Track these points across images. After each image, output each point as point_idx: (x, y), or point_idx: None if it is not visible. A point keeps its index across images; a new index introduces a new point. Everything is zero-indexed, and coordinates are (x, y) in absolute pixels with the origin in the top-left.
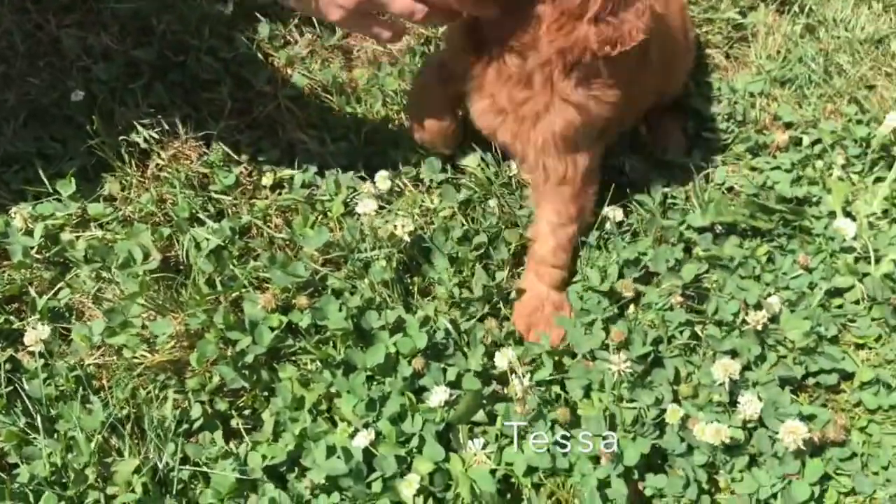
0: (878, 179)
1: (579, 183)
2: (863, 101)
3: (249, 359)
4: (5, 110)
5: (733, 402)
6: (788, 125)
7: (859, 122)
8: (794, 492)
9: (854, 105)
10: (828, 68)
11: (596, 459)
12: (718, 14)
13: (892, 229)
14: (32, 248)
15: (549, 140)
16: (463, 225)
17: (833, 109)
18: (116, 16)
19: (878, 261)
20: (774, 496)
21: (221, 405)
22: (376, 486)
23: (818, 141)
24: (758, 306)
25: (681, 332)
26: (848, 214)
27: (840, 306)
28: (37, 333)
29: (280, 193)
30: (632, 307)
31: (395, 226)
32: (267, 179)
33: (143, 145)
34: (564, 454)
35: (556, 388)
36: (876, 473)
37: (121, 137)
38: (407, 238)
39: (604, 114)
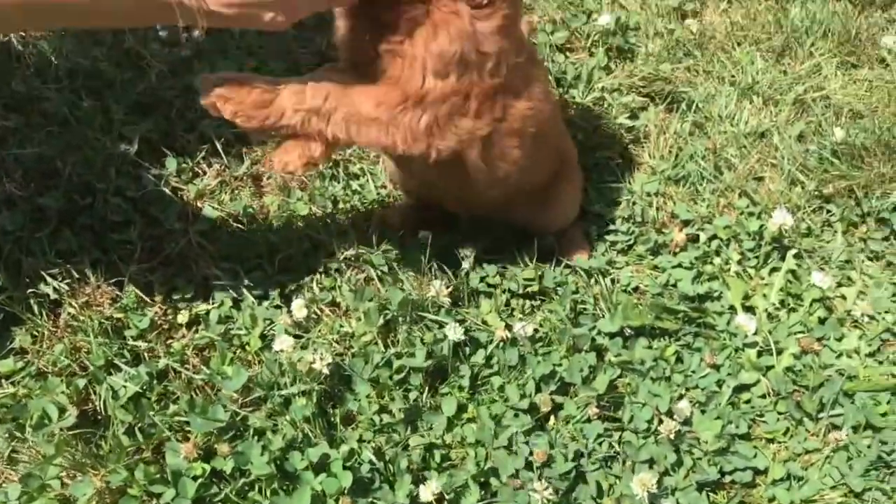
0: (774, 270)
1: None
2: (752, 195)
3: None
4: None
5: None
6: (686, 223)
7: (751, 214)
8: None
9: (745, 198)
10: (717, 164)
11: None
12: (611, 120)
13: (790, 318)
14: None
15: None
16: (383, 350)
17: (726, 204)
18: (20, 161)
19: (779, 353)
20: None
21: None
22: None
23: (714, 237)
24: (669, 413)
25: (599, 444)
26: (748, 309)
27: (748, 401)
28: None
29: (197, 331)
30: (552, 419)
31: (314, 359)
32: (182, 317)
33: (53, 295)
34: None
35: None
36: None
37: (29, 290)
38: (326, 371)
39: None
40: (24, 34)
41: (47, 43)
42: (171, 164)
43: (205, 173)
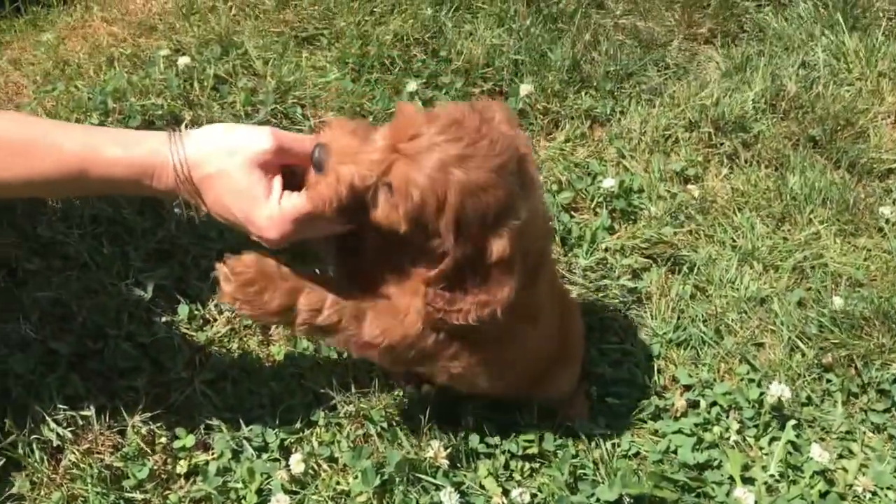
0: (774, 439)
1: None
2: (752, 361)
3: None
4: None
5: None
6: (687, 388)
7: (751, 380)
8: None
9: (745, 364)
10: (718, 328)
11: None
12: (613, 280)
13: (790, 492)
14: None
15: None
16: None
17: (727, 369)
18: (38, 303)
19: None
20: None
21: None
22: None
23: (714, 403)
24: None
25: None
26: (747, 480)
27: None
28: None
29: (195, 482)
30: None
31: None
32: (181, 468)
33: (56, 441)
34: None
35: None
36: None
37: (33, 436)
38: None
39: None
40: None
41: None
42: (183, 310)
43: (215, 320)
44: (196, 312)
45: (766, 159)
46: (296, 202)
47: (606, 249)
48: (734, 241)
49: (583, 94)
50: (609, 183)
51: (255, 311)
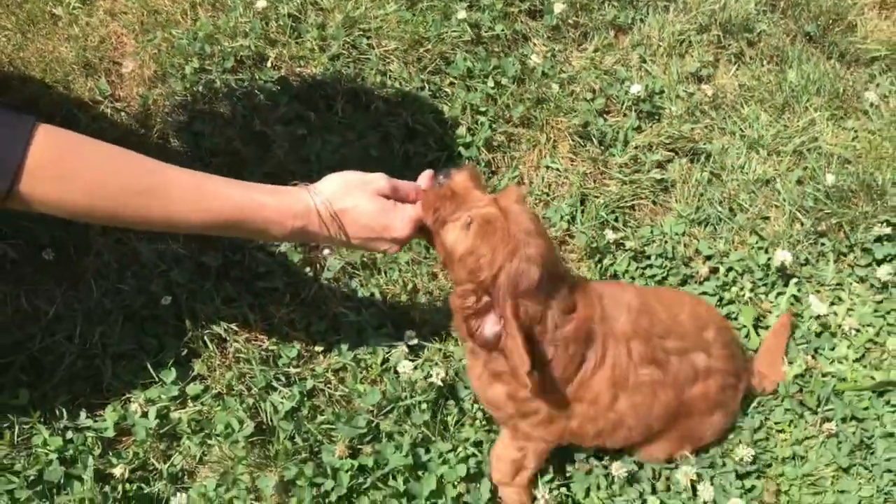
0: (780, 294)
1: None
2: (760, 233)
3: (333, 498)
4: (107, 314)
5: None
6: (708, 257)
7: (760, 248)
8: None
9: (755, 235)
10: (732, 207)
11: None
12: (643, 174)
13: (795, 334)
14: (150, 428)
15: None
16: None
17: (740, 241)
18: None
19: (791, 362)
20: None
21: None
22: None
23: (731, 269)
24: None
25: None
26: (759, 328)
27: (762, 403)
28: (178, 500)
29: (331, 357)
30: None
31: (431, 374)
32: (319, 347)
33: (224, 334)
34: None
35: (564, 490)
36: None
37: (204, 331)
38: (440, 384)
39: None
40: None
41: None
42: None
43: None
44: None
45: (768, 56)
46: (416, 209)
47: (636, 147)
48: (742, 131)
49: (606, 5)
50: (636, 88)
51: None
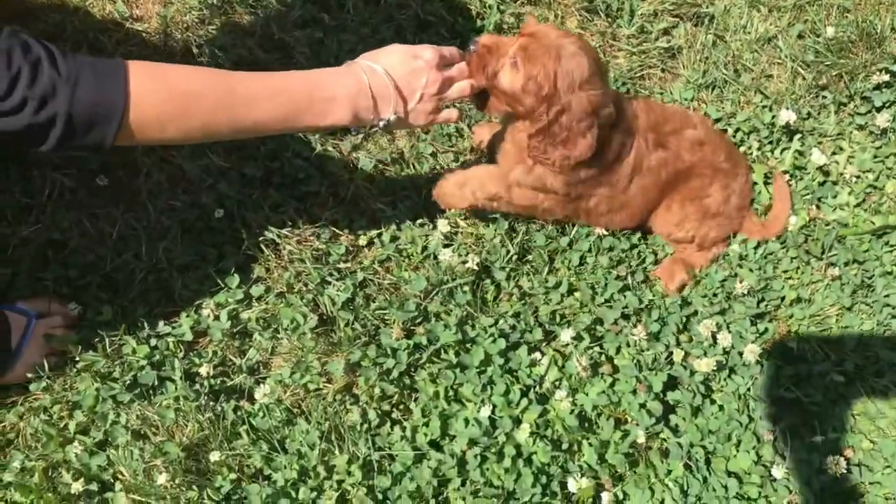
0: (785, 149)
1: None
2: (764, 91)
3: (395, 374)
4: (166, 230)
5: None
6: (717, 120)
7: (765, 107)
8: (760, 386)
9: (759, 94)
10: (737, 68)
11: (634, 391)
12: (652, 44)
13: (798, 186)
14: (224, 328)
15: None
16: (510, 251)
17: (745, 101)
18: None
19: (795, 214)
20: (748, 390)
21: (385, 406)
22: (501, 438)
23: (738, 129)
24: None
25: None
26: (768, 182)
27: (772, 253)
28: (264, 390)
29: (375, 250)
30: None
31: (466, 261)
32: (363, 241)
33: (276, 238)
34: (614, 392)
35: (597, 349)
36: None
37: (259, 237)
38: (476, 268)
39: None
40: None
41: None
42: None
43: (358, 132)
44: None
45: None
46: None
47: (642, 16)
48: None
49: None
50: None
51: None
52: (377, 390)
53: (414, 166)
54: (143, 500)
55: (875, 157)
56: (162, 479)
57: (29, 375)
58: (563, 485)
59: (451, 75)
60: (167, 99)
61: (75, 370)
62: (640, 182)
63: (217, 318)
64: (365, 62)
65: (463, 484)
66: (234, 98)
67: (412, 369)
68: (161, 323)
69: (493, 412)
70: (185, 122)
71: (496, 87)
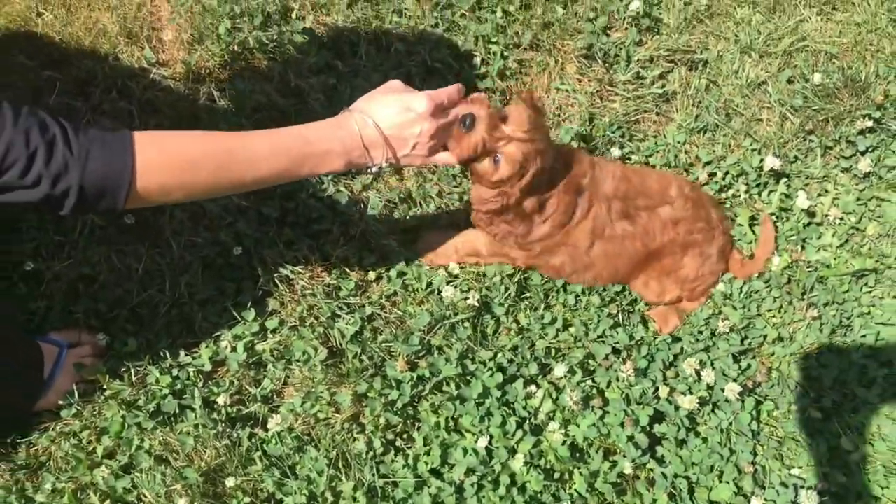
0: (772, 192)
1: None
2: (753, 135)
3: (399, 405)
4: (188, 266)
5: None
6: (707, 163)
7: (754, 150)
8: (741, 421)
9: (749, 138)
10: (728, 112)
11: (622, 424)
12: (647, 89)
13: (784, 227)
14: (240, 360)
15: None
16: (508, 288)
17: (735, 144)
18: None
19: (779, 255)
20: (730, 425)
21: (389, 435)
22: (497, 467)
23: (727, 172)
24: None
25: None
26: (753, 225)
27: (756, 291)
28: (277, 419)
29: (383, 286)
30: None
31: (468, 297)
32: (372, 276)
33: (290, 274)
34: (604, 425)
35: (589, 382)
36: (791, 390)
37: (274, 273)
38: (476, 304)
39: None
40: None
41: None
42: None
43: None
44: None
45: None
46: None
47: (638, 61)
48: (736, 36)
49: None
50: (636, 5)
51: None
52: (382, 420)
53: (421, 205)
54: None
55: (858, 199)
56: (182, 502)
57: (60, 402)
58: None
59: (447, 122)
60: (170, 167)
61: (103, 398)
62: (602, 247)
63: (234, 349)
64: (358, 114)
65: None
66: (233, 160)
67: (415, 400)
68: (182, 353)
69: (489, 442)
70: (189, 186)
71: (474, 167)
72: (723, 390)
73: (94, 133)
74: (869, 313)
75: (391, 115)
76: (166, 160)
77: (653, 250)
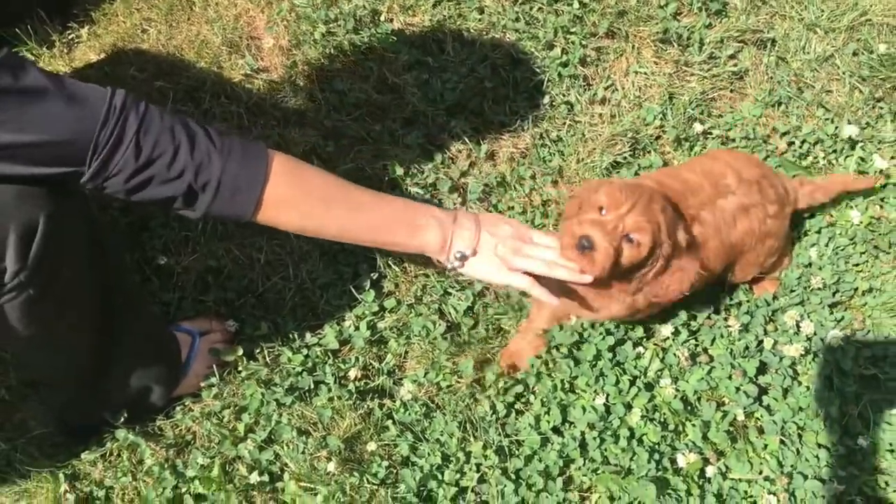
0: (848, 157)
1: None
2: (826, 105)
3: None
4: (307, 255)
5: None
6: (783, 133)
7: (827, 119)
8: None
9: (821, 108)
10: (799, 86)
11: (730, 377)
12: (721, 68)
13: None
14: (364, 337)
15: None
16: None
17: (809, 115)
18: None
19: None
20: (832, 371)
21: (510, 398)
22: (615, 422)
23: (804, 141)
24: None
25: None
26: None
27: (843, 248)
28: (405, 389)
29: None
30: None
31: None
32: None
33: (403, 258)
34: (712, 378)
35: (693, 341)
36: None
37: (388, 257)
38: None
39: None
40: None
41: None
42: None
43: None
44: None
45: None
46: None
47: (710, 43)
48: (800, 14)
49: None
50: None
51: None
52: (501, 384)
53: (515, 188)
54: (310, 486)
55: None
56: (331, 466)
57: (201, 384)
58: (673, 461)
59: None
60: (300, 192)
61: (239, 378)
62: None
63: (357, 328)
64: (457, 226)
65: (584, 463)
66: (350, 222)
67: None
68: (308, 335)
69: (606, 399)
70: (303, 222)
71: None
72: (822, 340)
73: (234, 138)
74: None
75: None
76: (290, 208)
77: (731, 245)
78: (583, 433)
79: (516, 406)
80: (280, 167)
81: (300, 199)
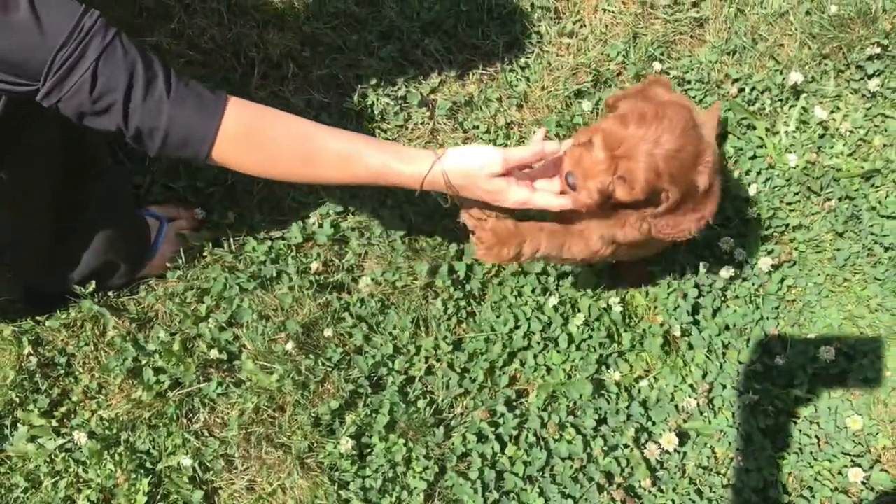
0: (792, 106)
1: None
2: (777, 57)
3: (471, 285)
4: None
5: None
6: (735, 80)
7: (776, 71)
8: (769, 290)
9: (772, 60)
10: (754, 38)
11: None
12: (684, 13)
13: (801, 137)
14: (328, 234)
15: None
16: None
17: (760, 65)
18: (318, 76)
19: (797, 155)
20: (757, 294)
21: (462, 303)
22: (557, 331)
23: (754, 88)
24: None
25: None
26: (775, 133)
27: (779, 187)
28: (362, 284)
29: None
30: None
31: None
32: None
33: None
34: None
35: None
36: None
37: None
38: None
39: None
40: None
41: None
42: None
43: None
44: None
45: None
46: (559, 201)
47: None
48: None
49: None
50: None
51: (496, 259)
52: (452, 289)
53: (482, 108)
54: (267, 365)
55: (865, 115)
56: (288, 346)
57: (168, 265)
58: (607, 366)
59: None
60: (249, 147)
61: (203, 263)
62: None
63: (321, 225)
64: (443, 156)
65: (527, 362)
66: (312, 161)
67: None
68: (274, 229)
69: (542, 311)
70: (265, 171)
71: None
72: (753, 266)
73: (194, 86)
74: (875, 208)
75: (465, 165)
76: (247, 145)
77: None
78: (528, 335)
79: (468, 309)
80: (234, 118)
81: (254, 149)
